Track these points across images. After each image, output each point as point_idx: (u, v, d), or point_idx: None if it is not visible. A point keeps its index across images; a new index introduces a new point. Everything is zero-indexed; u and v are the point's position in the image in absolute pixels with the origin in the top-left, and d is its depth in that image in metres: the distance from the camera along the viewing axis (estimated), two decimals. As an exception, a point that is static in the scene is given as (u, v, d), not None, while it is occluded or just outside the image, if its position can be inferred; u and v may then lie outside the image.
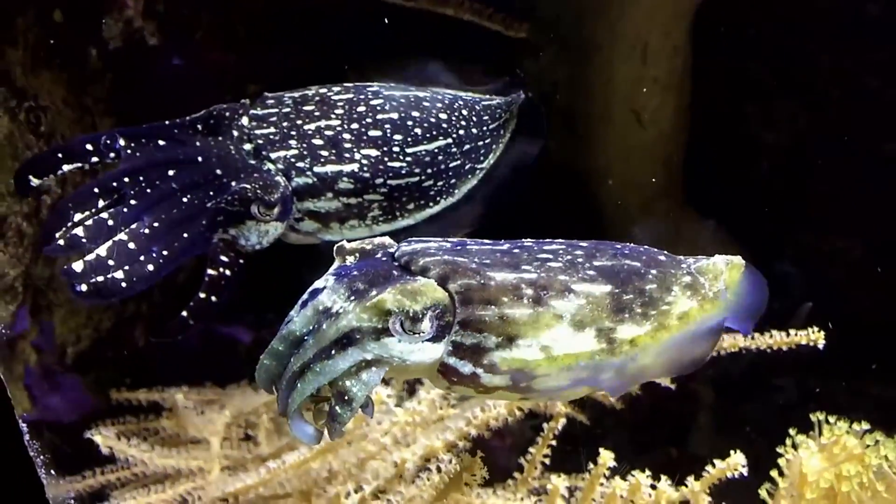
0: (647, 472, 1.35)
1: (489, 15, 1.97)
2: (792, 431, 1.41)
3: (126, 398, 1.52)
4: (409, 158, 1.16)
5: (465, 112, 1.25)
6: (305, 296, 0.93)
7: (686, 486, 1.36)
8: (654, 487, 1.38)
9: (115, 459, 1.43)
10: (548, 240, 1.03)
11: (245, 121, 1.14)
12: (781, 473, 1.38)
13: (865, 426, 1.38)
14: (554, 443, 1.40)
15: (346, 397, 0.88)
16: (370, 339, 0.88)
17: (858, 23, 2.19)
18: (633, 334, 0.95)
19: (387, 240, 0.98)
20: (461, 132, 1.22)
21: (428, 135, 1.19)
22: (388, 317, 0.88)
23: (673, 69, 2.19)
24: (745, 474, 1.33)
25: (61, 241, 1.03)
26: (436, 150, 1.19)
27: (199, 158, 1.10)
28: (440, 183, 1.19)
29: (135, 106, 1.72)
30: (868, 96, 2.22)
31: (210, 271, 1.09)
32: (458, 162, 1.21)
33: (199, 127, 1.15)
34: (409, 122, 1.18)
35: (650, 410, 1.87)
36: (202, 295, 1.09)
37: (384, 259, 0.94)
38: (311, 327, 0.89)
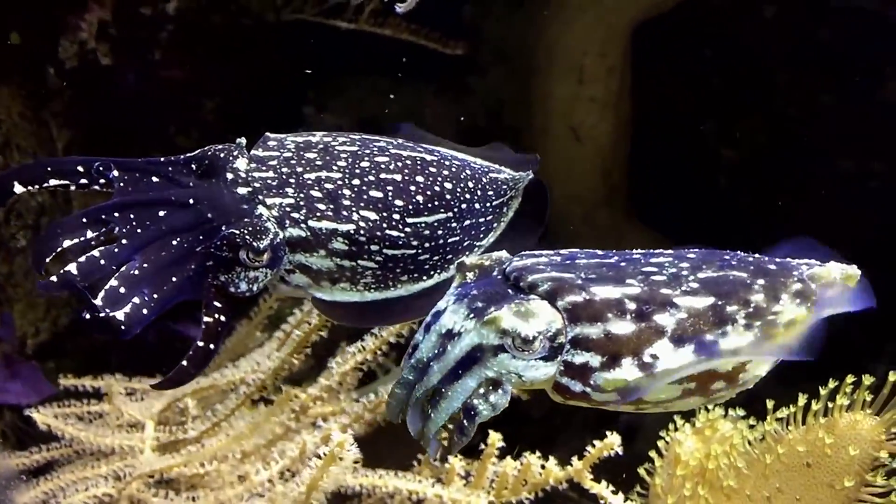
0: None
1: (426, 34, 2.12)
2: (676, 418, 1.54)
3: (73, 384, 1.66)
4: (407, 229, 1.09)
5: (470, 184, 1.15)
6: (429, 318, 0.95)
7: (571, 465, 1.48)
8: (543, 467, 1.51)
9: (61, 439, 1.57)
10: (657, 251, 1.03)
11: (241, 163, 1.08)
12: (660, 454, 1.50)
13: (741, 412, 1.51)
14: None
15: (473, 413, 0.92)
16: (490, 356, 0.92)
17: (803, 41, 2.31)
18: (735, 346, 0.94)
19: (503, 254, 1.00)
20: (464, 206, 1.14)
21: (430, 205, 1.11)
22: (503, 335, 0.91)
23: (609, 88, 2.33)
24: (621, 453, 1.44)
25: (55, 279, 1.00)
26: (435, 224, 1.12)
27: (191, 201, 1.05)
28: (436, 258, 1.12)
29: (92, 120, 1.89)
30: (814, 111, 2.34)
31: (206, 318, 1.04)
32: (458, 238, 1.14)
33: (194, 167, 1.09)
34: (412, 188, 1.10)
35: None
36: (201, 344, 1.04)
37: (499, 277, 0.97)
38: (435, 352, 0.92)
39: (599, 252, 1.02)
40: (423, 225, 1.10)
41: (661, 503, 1.45)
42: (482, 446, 1.48)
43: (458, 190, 1.13)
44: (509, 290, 0.94)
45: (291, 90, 2.24)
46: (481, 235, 1.16)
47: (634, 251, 1.03)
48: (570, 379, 0.93)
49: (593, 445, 1.45)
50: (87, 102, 1.78)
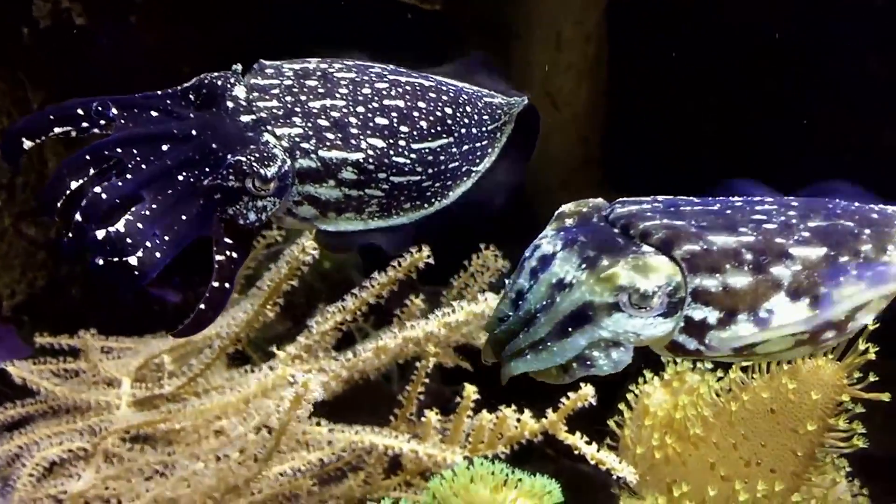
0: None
1: (402, -10, 2.11)
2: (646, 371, 1.56)
3: (49, 342, 1.66)
4: (413, 156, 1.09)
5: (468, 109, 1.15)
6: (534, 262, 0.90)
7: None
8: (518, 420, 1.53)
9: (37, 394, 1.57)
10: (758, 198, 1.00)
11: (240, 91, 1.06)
12: (630, 407, 1.53)
13: (709, 365, 1.53)
14: (427, 381, 1.53)
15: (589, 363, 0.88)
16: (604, 314, 0.87)
17: (773, 10, 2.33)
18: (848, 297, 0.92)
19: (601, 201, 0.96)
20: (463, 131, 1.14)
21: (433, 130, 1.11)
22: (619, 292, 0.86)
23: (586, 55, 2.34)
24: (594, 403, 1.46)
25: (71, 234, 0.98)
26: (438, 149, 1.11)
27: (194, 132, 1.02)
28: (438, 184, 1.12)
29: (67, 81, 1.88)
30: (794, 83, 2.36)
31: (217, 257, 1.02)
32: (457, 163, 1.14)
33: (192, 97, 1.07)
34: (416, 114, 1.10)
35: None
36: (215, 284, 1.01)
37: (602, 224, 0.92)
38: (544, 302, 0.87)
39: (697, 199, 0.98)
40: (426, 151, 1.10)
41: (631, 454, 1.48)
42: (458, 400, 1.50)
43: (458, 114, 1.13)
44: (619, 239, 0.89)
45: (269, 56, 2.24)
46: (477, 161, 1.15)
47: (734, 198, 0.99)
48: (688, 336, 0.89)
49: (568, 398, 1.47)
50: (61, 63, 1.77)
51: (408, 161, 1.09)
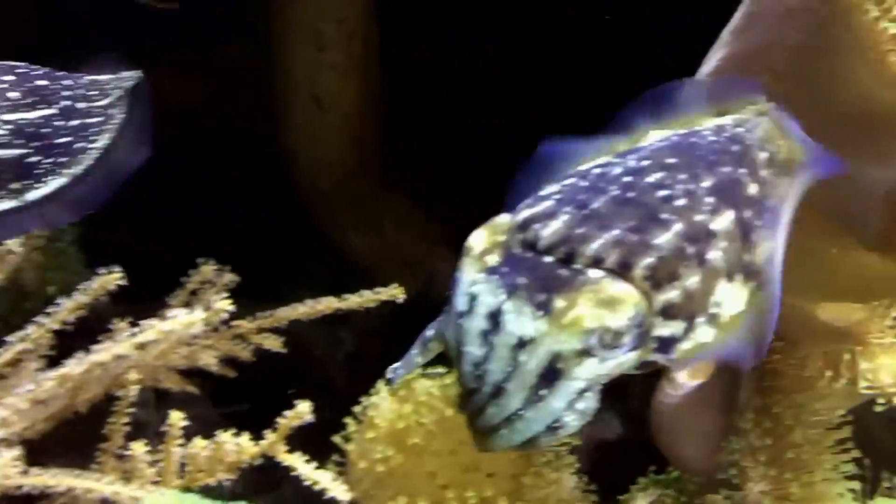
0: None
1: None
2: (379, 383, 1.49)
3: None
4: (9, 126, 1.08)
5: (68, 82, 1.17)
6: (481, 323, 0.77)
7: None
8: (237, 444, 1.42)
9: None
10: (618, 160, 0.89)
11: None
12: (359, 420, 1.46)
13: (441, 369, 1.48)
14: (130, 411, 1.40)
15: (558, 427, 0.78)
16: (574, 364, 0.75)
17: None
18: (768, 251, 0.84)
19: (507, 220, 0.83)
20: (68, 103, 1.14)
21: (29, 100, 1.10)
22: (588, 335, 0.75)
23: (351, 55, 2.27)
24: (312, 420, 1.38)
25: None
26: (41, 121, 1.11)
27: None
28: (48, 161, 1.11)
29: None
30: (563, 80, 2.37)
31: None
32: (69, 138, 1.13)
33: None
34: (3, 85, 1.10)
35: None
36: None
37: (531, 255, 0.79)
38: (509, 369, 0.75)
39: (576, 180, 0.87)
40: (24, 121, 1.08)
41: (356, 469, 1.41)
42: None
43: (56, 87, 1.13)
44: (560, 270, 0.77)
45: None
46: (91, 137, 1.15)
47: (608, 168, 0.87)
48: (657, 354, 0.79)
49: (284, 417, 1.38)
50: None
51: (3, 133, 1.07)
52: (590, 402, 0.78)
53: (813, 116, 1.10)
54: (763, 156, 0.92)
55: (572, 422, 0.78)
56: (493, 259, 0.80)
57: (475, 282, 0.79)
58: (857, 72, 1.08)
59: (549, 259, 0.79)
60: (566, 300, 0.75)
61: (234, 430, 1.42)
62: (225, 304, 1.36)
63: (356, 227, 2.38)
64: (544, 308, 0.75)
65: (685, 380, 1.32)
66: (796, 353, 1.40)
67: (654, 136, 0.94)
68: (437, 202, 2.43)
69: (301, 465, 1.38)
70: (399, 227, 2.41)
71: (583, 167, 0.90)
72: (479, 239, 0.81)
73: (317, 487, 1.33)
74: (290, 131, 2.30)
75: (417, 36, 2.39)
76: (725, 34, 1.17)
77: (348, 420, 1.45)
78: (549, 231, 0.80)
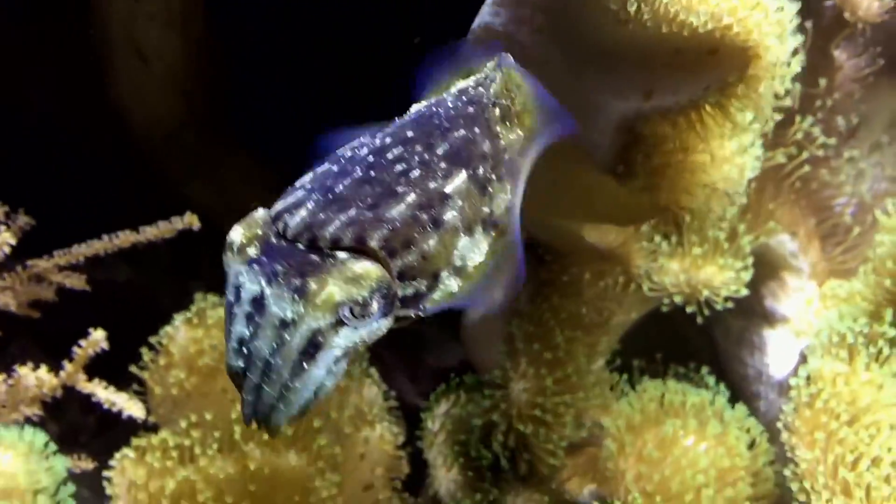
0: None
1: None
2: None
3: None
4: None
5: None
6: (247, 307, 0.85)
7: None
8: (37, 378, 1.46)
9: None
10: (378, 141, 0.97)
11: None
12: (156, 349, 1.51)
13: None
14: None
15: (319, 390, 0.86)
16: (332, 335, 0.85)
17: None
18: (504, 202, 0.95)
19: (262, 213, 0.91)
20: None
21: None
22: (339, 309, 0.84)
23: (170, 5, 2.26)
24: (106, 348, 1.43)
25: None
26: None
27: None
28: None
29: None
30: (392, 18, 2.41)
31: None
32: None
33: None
34: None
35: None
36: None
37: (285, 244, 0.88)
38: (275, 345, 0.84)
39: (330, 165, 0.96)
40: None
41: (154, 395, 1.47)
42: None
43: None
44: (312, 256, 0.87)
45: None
46: None
47: (357, 150, 0.97)
48: (405, 309, 0.90)
49: (80, 346, 1.43)
50: None
51: None
52: (343, 364, 0.89)
53: (568, 60, 1.21)
54: (496, 112, 1.03)
55: (330, 384, 0.88)
56: (253, 251, 0.88)
57: (238, 273, 0.88)
58: (599, 18, 1.17)
59: (300, 246, 0.88)
60: (318, 283, 0.85)
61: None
62: (6, 237, 1.38)
63: (196, 178, 2.39)
64: (300, 291, 0.85)
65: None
66: (566, 268, 1.52)
67: (413, 109, 1.05)
68: (278, 154, 2.45)
69: (99, 391, 1.44)
70: (241, 178, 2.43)
71: (339, 150, 1.01)
72: (237, 235, 0.89)
73: (115, 409, 1.39)
74: (115, 85, 2.29)
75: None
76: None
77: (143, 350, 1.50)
78: (294, 220, 0.90)
